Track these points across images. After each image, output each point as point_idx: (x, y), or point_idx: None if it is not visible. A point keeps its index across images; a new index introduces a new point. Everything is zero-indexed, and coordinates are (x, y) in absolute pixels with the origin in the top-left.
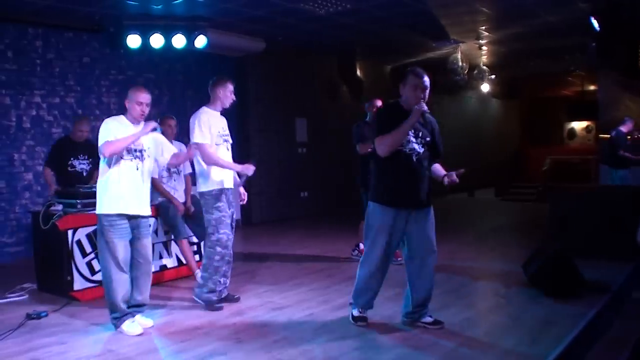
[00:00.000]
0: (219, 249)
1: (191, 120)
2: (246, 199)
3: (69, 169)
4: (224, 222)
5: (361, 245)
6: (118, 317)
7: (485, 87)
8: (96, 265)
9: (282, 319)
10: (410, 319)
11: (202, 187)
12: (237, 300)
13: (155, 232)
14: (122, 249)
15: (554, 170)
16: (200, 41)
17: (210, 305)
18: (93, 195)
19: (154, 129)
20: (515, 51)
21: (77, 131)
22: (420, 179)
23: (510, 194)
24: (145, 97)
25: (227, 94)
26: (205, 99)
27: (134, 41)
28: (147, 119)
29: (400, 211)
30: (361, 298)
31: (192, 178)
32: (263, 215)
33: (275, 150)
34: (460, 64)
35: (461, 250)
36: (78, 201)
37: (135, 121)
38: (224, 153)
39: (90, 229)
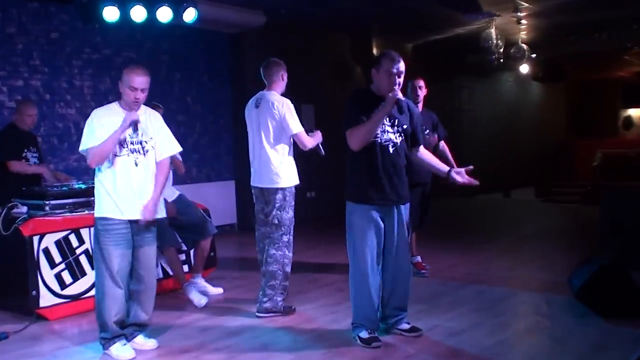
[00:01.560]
0: (287, 251)
1: (279, 107)
2: None
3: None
4: (294, 223)
5: None
6: (108, 338)
7: (524, 69)
8: (67, 277)
9: (286, 341)
10: (385, 325)
11: (284, 182)
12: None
13: None
14: (117, 259)
15: (606, 167)
16: (190, 14)
17: (287, 311)
18: (63, 195)
19: (133, 122)
20: (560, 25)
21: (26, 116)
22: (399, 172)
23: (552, 194)
24: (140, 80)
25: (285, 79)
26: (195, 81)
27: (111, 14)
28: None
29: (380, 209)
30: (364, 316)
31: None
32: None
33: None
34: (494, 41)
35: (496, 259)
36: (46, 202)
37: (130, 109)
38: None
39: (60, 235)
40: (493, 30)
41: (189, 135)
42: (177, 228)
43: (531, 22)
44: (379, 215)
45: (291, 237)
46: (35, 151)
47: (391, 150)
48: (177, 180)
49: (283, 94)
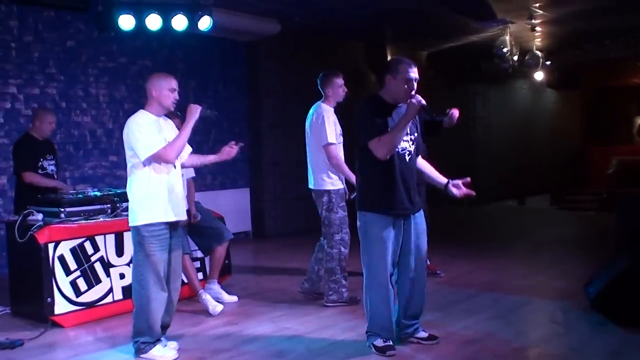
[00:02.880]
0: (343, 248)
1: (314, 117)
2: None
3: (40, 171)
4: (347, 221)
5: None
6: (150, 342)
7: (538, 76)
8: (82, 285)
9: (301, 349)
10: (400, 333)
11: (329, 185)
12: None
13: None
14: (164, 264)
15: (621, 174)
16: (205, 23)
17: (352, 301)
18: (79, 202)
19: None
20: (576, 32)
21: (46, 124)
22: (413, 180)
23: (568, 202)
24: (176, 82)
25: (337, 91)
26: (210, 89)
27: (126, 22)
28: (130, 113)
29: (397, 218)
30: (381, 326)
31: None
32: (278, 226)
33: (291, 150)
34: (509, 48)
35: (511, 267)
36: (61, 209)
37: (161, 113)
38: (341, 153)
39: (76, 242)
40: (507, 38)
41: (205, 142)
42: (192, 234)
43: (546, 29)
44: (396, 224)
45: (345, 235)
46: (52, 159)
47: (407, 158)
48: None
49: (340, 105)
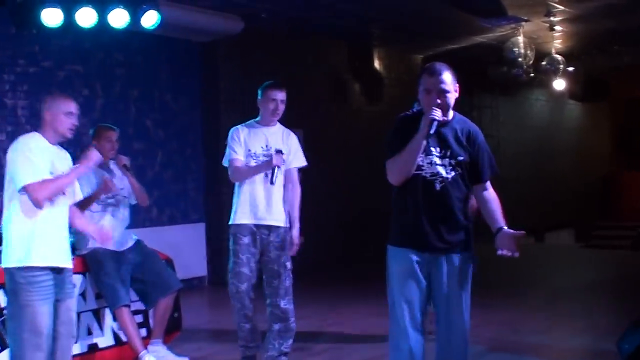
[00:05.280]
0: (236, 282)
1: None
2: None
3: None
4: (238, 251)
5: None
6: None
7: (559, 85)
8: None
9: None
10: None
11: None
12: None
13: (82, 295)
14: (46, 317)
15: None
16: (150, 19)
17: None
18: None
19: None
20: (604, 32)
21: None
22: (446, 213)
23: (596, 238)
24: (74, 105)
25: (267, 104)
26: (157, 101)
27: (52, 17)
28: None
29: (422, 256)
30: None
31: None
32: None
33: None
34: (522, 51)
35: (527, 319)
36: None
37: (56, 139)
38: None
39: None
40: (520, 39)
41: (149, 167)
42: (133, 281)
43: (567, 29)
44: (422, 264)
45: (237, 262)
46: None
47: (438, 187)
48: (134, 222)
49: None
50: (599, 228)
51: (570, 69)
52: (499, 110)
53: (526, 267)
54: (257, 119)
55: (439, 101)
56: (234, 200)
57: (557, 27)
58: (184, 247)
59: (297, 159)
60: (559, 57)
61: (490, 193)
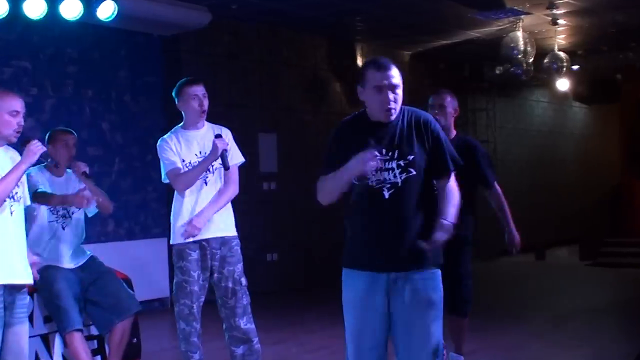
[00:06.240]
0: (183, 325)
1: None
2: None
3: None
4: (185, 289)
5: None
6: None
7: (562, 85)
8: None
9: None
10: None
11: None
12: None
13: (30, 318)
14: None
15: None
16: (106, 10)
17: None
18: None
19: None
20: (613, 25)
21: None
22: (401, 226)
23: (603, 256)
24: (20, 103)
25: (189, 104)
26: (114, 102)
27: None
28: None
29: (376, 276)
30: None
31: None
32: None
33: None
34: (521, 47)
35: (527, 345)
36: None
37: (1, 142)
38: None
39: None
40: (520, 34)
41: (105, 175)
42: (87, 304)
43: (572, 22)
44: (378, 287)
45: (183, 307)
46: None
47: (387, 195)
48: (88, 237)
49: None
50: (607, 244)
51: (575, 67)
52: (495, 114)
53: (527, 288)
54: (181, 124)
55: (394, 97)
56: (173, 214)
57: (561, 21)
58: (143, 264)
59: (235, 156)
60: (563, 55)
61: (450, 186)
